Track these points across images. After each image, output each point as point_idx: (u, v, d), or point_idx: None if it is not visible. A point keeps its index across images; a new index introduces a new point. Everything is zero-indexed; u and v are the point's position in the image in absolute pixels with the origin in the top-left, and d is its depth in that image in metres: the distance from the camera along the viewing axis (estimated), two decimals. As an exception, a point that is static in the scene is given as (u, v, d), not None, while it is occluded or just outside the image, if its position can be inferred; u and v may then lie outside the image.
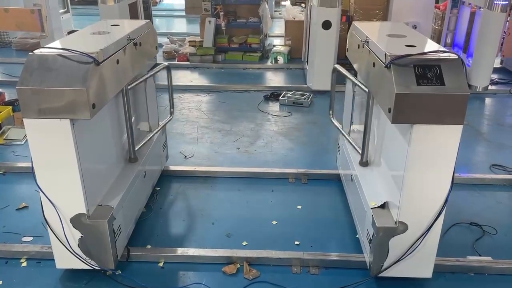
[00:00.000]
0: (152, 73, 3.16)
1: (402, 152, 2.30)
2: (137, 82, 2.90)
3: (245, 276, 2.65)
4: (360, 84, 2.84)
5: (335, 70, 3.22)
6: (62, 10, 8.30)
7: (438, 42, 6.78)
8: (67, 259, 2.52)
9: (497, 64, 6.71)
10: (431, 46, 2.43)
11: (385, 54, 2.24)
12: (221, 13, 7.35)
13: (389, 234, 2.40)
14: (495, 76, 6.39)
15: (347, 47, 3.37)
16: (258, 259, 2.76)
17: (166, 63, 3.40)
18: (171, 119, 3.55)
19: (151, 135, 3.26)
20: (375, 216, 2.45)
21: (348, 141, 3.17)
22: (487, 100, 5.80)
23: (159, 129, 3.43)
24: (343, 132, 3.28)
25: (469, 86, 5.57)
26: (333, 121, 3.38)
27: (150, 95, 3.37)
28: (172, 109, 3.56)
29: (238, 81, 6.41)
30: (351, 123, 3.33)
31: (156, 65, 7.16)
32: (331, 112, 3.41)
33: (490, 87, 5.88)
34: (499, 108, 5.62)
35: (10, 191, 3.54)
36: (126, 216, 2.75)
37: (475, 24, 6.01)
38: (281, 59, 7.31)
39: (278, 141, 4.49)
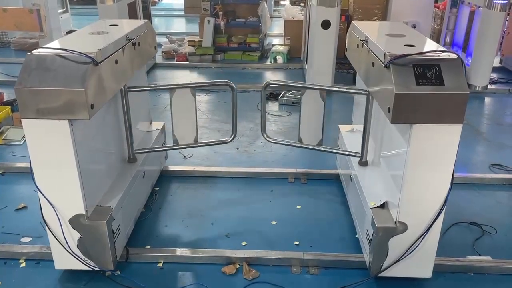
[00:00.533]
0: (208, 83, 3.07)
1: (402, 151, 2.29)
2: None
3: (245, 276, 2.64)
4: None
5: (267, 86, 2.99)
6: (61, 10, 8.31)
7: (438, 41, 6.78)
8: (66, 259, 2.51)
9: (496, 63, 6.72)
10: (430, 45, 2.42)
11: (385, 54, 2.23)
12: (220, 13, 7.35)
13: (388, 234, 2.40)
14: (494, 75, 6.39)
15: (346, 47, 3.37)
16: (257, 259, 2.75)
17: (229, 82, 2.97)
18: (230, 141, 3.16)
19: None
20: (375, 216, 2.45)
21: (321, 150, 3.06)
22: (487, 100, 5.80)
23: (209, 144, 3.29)
24: (305, 146, 3.10)
25: (468, 85, 5.57)
26: (275, 141, 3.24)
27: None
28: (233, 134, 3.11)
29: (237, 80, 6.30)
30: (323, 133, 3.07)
31: (155, 65, 7.18)
32: (265, 135, 3.13)
33: (489, 87, 5.88)
34: (499, 107, 5.62)
35: (9, 192, 3.53)
36: (125, 217, 2.74)
37: (475, 23, 6.01)
38: (280, 59, 7.30)
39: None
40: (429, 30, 6.37)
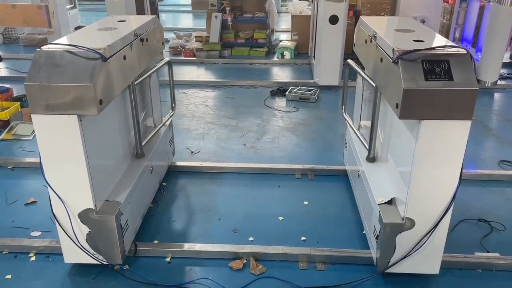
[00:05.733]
0: (154, 68, 3.16)
1: (410, 148, 2.28)
2: (141, 78, 2.91)
3: (252, 271, 2.65)
4: (369, 80, 2.82)
5: (348, 65, 3.23)
6: (69, 6, 8.36)
7: (447, 36, 6.73)
8: (75, 253, 2.54)
9: (506, 58, 6.63)
10: (439, 41, 2.41)
11: (393, 49, 2.22)
12: (228, 8, 7.34)
13: (396, 230, 2.39)
14: (504, 71, 6.32)
15: (354, 42, 3.35)
16: (264, 254, 2.76)
17: (167, 58, 3.36)
18: (173, 114, 3.56)
19: (156, 130, 3.27)
20: (382, 212, 2.44)
21: (358, 137, 3.15)
22: (496, 95, 5.75)
23: (162, 124, 3.42)
24: (353, 127, 3.25)
25: (478, 81, 5.50)
26: (345, 116, 3.40)
27: (153, 90, 3.35)
28: (173, 104, 3.55)
29: (244, 76, 6.40)
30: (361, 119, 3.32)
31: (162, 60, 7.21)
32: (343, 107, 3.43)
33: (499, 82, 5.83)
34: (508, 103, 5.57)
35: (19, 186, 3.57)
36: (133, 212, 2.76)
37: (484, 18, 5.95)
38: (287, 54, 7.29)
39: (285, 136, 4.48)
40: (438, 25, 6.32)
